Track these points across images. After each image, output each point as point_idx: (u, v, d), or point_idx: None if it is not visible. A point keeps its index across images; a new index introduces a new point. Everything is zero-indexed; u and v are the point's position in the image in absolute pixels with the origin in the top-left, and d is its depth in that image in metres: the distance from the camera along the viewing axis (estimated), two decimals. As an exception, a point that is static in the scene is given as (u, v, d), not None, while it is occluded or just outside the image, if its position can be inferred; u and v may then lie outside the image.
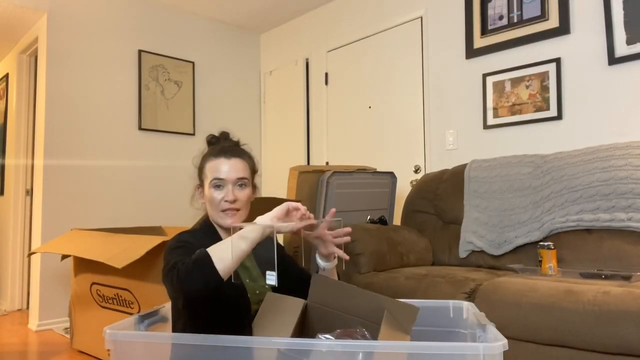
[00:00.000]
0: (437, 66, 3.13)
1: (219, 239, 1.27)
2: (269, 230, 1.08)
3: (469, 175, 2.54)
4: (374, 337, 1.13)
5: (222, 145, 1.33)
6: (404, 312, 1.12)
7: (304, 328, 1.24)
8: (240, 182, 1.27)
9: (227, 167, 1.26)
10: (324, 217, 2.61)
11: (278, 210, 1.10)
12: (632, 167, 1.99)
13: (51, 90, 3.29)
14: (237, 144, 1.38)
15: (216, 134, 1.39)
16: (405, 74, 3.33)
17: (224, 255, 1.03)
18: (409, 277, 2.05)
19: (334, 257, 1.31)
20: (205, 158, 1.32)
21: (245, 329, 1.16)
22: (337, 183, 2.54)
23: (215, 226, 1.31)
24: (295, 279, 1.36)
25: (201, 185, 1.33)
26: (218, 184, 1.26)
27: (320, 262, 1.31)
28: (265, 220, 1.10)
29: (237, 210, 1.26)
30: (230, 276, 1.18)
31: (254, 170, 1.35)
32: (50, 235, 3.20)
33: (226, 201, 1.25)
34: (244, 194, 1.28)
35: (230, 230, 1.30)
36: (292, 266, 1.42)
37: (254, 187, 1.35)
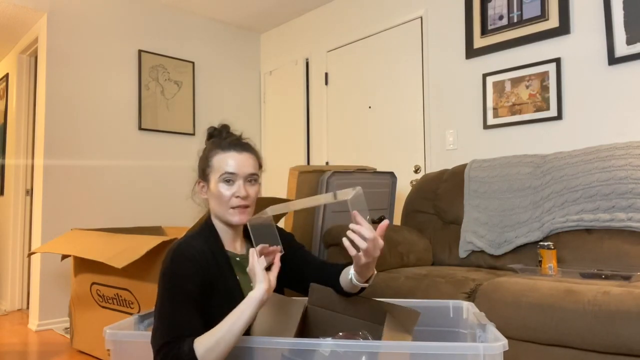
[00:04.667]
0: (437, 66, 3.13)
1: (220, 243, 1.23)
2: (265, 299, 1.05)
3: (469, 175, 2.54)
4: (377, 339, 1.13)
5: (231, 138, 1.26)
6: (406, 316, 1.12)
7: (305, 331, 1.23)
8: (251, 178, 1.22)
9: (238, 162, 1.20)
10: (323, 218, 2.61)
11: (260, 275, 1.06)
12: (632, 167, 1.99)
13: (51, 90, 3.29)
14: (240, 137, 1.30)
15: (216, 126, 1.32)
16: (405, 74, 3.33)
17: (219, 342, 0.99)
18: (409, 277, 2.05)
19: (367, 281, 1.16)
20: (211, 151, 1.24)
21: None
22: (337, 183, 2.54)
23: (217, 227, 1.25)
24: (314, 267, 1.31)
25: (204, 179, 1.25)
26: (228, 178, 1.19)
27: (353, 275, 1.16)
28: (257, 295, 1.04)
29: (247, 206, 1.21)
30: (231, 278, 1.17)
31: (260, 166, 1.30)
32: (50, 235, 3.20)
33: (237, 197, 1.19)
34: (254, 190, 1.23)
35: (234, 229, 1.26)
36: (306, 255, 1.36)
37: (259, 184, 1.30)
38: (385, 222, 1.06)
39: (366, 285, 1.18)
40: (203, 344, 0.99)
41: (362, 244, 1.04)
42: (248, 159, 1.22)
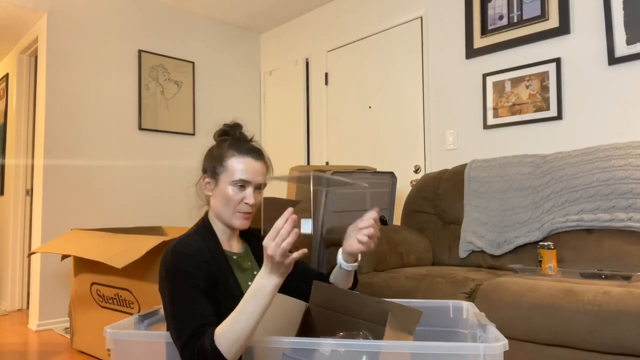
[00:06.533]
0: (437, 66, 3.13)
1: (217, 242, 1.23)
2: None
3: (469, 175, 2.54)
4: (378, 339, 1.13)
5: (248, 144, 1.26)
6: (408, 316, 1.12)
7: (306, 330, 1.24)
8: (261, 187, 1.25)
9: (254, 170, 1.21)
10: (323, 219, 2.61)
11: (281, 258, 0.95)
12: (632, 167, 1.99)
13: (51, 90, 3.29)
14: (251, 139, 1.31)
15: (229, 123, 1.31)
16: (405, 74, 3.33)
17: (240, 334, 0.96)
18: (409, 277, 2.05)
19: (356, 260, 1.27)
20: (227, 151, 1.22)
21: None
22: (337, 183, 2.54)
23: (214, 227, 1.25)
24: (303, 276, 1.32)
25: (213, 177, 1.24)
26: (242, 184, 1.20)
27: (342, 260, 1.27)
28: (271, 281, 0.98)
29: (251, 213, 1.24)
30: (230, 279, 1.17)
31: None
32: (50, 235, 3.20)
33: (246, 204, 1.21)
34: (260, 197, 1.26)
35: (231, 229, 1.27)
36: (304, 264, 1.39)
37: None
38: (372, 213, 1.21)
39: (355, 264, 1.28)
40: (225, 337, 0.97)
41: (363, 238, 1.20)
42: (262, 168, 1.24)
